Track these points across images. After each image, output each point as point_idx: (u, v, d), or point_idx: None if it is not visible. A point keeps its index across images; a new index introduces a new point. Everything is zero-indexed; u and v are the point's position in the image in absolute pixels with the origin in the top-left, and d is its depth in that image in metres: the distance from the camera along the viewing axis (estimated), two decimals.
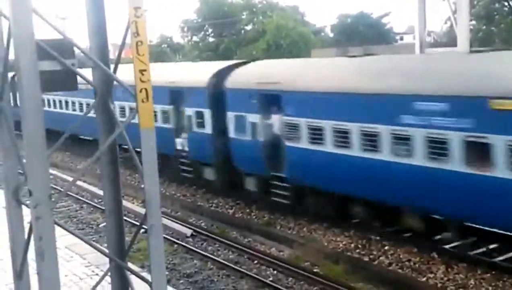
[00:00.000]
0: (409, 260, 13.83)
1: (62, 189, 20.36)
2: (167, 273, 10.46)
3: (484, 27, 42.96)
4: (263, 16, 62.43)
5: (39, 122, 3.72)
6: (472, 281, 12.55)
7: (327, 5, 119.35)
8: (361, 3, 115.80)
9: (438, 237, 13.98)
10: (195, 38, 65.37)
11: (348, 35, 60.18)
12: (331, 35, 66.91)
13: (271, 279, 13.56)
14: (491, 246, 13.36)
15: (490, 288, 12.24)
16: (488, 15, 41.95)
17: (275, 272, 13.96)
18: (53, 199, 3.84)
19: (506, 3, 42.22)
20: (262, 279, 13.44)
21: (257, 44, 56.20)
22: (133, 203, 20.22)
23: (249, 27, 63.43)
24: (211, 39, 63.69)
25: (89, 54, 4.18)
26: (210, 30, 63.31)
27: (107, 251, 4.60)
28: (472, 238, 13.79)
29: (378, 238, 15.11)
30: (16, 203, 4.36)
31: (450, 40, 36.47)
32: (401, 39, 70.50)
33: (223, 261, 14.61)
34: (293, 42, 55.27)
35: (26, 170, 3.76)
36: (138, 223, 16.55)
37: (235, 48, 58.82)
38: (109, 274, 4.50)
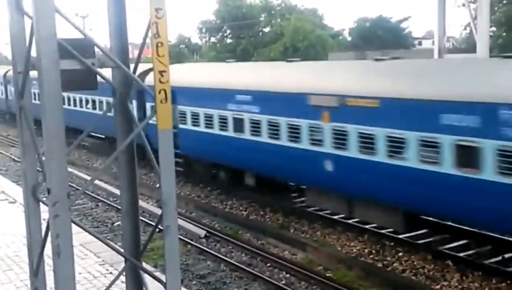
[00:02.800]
0: (423, 267, 13.72)
1: (78, 187, 20.52)
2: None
3: (504, 33, 42.56)
4: (281, 19, 62.53)
5: (59, 120, 3.74)
6: None
7: (346, 9, 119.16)
8: (380, 7, 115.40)
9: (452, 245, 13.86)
10: (213, 39, 65.64)
11: (366, 39, 59.97)
12: (349, 38, 66.73)
13: (283, 282, 13.52)
14: (507, 255, 13.21)
15: None
16: (509, 22, 41.55)
17: (288, 275, 13.93)
18: (71, 197, 3.86)
19: None
20: (275, 282, 13.41)
21: (275, 46, 56.25)
22: (148, 202, 20.31)
23: (267, 29, 63.56)
24: (228, 41, 63.90)
25: (109, 54, 4.20)
26: (228, 32, 63.53)
27: (122, 250, 4.61)
28: (488, 246, 13.68)
29: (392, 244, 15.02)
30: (34, 200, 4.39)
31: (469, 46, 36.21)
32: (420, 44, 70.11)
33: (236, 263, 14.60)
34: (311, 45, 55.26)
35: (45, 168, 3.78)
36: (152, 223, 16.63)
37: (253, 50, 58.93)
38: (123, 273, 4.52)
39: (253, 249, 15.57)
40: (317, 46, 55.61)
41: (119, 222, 17.59)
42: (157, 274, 5.73)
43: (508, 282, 12.53)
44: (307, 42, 55.00)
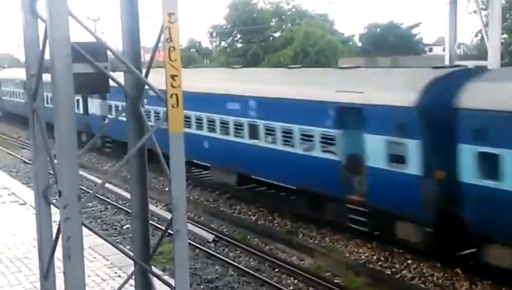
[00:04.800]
0: (432, 275, 13.65)
1: (89, 190, 20.59)
2: None
3: None
4: (292, 24, 62.52)
5: (71, 124, 3.75)
6: None
7: (357, 14, 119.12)
8: (391, 13, 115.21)
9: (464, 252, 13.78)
10: (223, 44, 65.75)
11: (377, 45, 59.83)
12: (360, 44, 66.61)
13: (291, 288, 13.51)
14: None
15: None
16: None
17: (295, 281, 13.91)
18: (82, 200, 3.87)
19: None
20: (283, 287, 13.39)
21: (285, 51, 56.24)
22: (157, 206, 20.34)
23: (277, 34, 63.57)
24: (239, 45, 63.98)
25: (122, 58, 4.22)
26: (238, 36, 63.61)
27: (131, 253, 4.62)
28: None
29: (401, 251, 14.95)
30: (45, 202, 4.40)
31: (480, 53, 36.05)
32: (430, 50, 69.81)
33: (244, 268, 14.60)
34: (321, 50, 55.18)
35: (57, 171, 3.79)
36: (161, 226, 16.64)
37: (263, 54, 58.96)
38: (133, 277, 4.52)
39: (261, 254, 15.56)
40: (328, 52, 55.52)
41: (128, 225, 17.62)
42: (166, 278, 5.73)
43: None
44: (317, 47, 54.93)
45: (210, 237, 16.99)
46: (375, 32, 62.90)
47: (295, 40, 56.24)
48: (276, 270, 14.60)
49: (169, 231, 4.34)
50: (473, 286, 12.92)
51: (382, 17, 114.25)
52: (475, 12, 27.66)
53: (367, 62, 43.44)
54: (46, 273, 4.43)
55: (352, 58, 54.18)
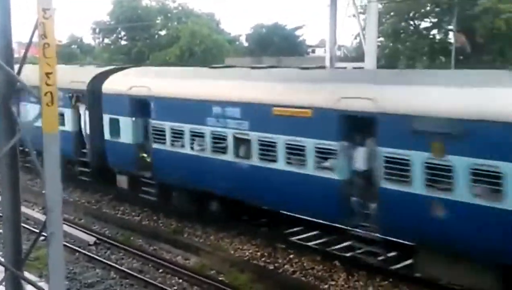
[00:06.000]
0: (312, 268, 14.18)
1: None
2: (66, 282, 10.08)
3: (391, 44, 44.88)
4: (178, 22, 62.13)
5: None
6: (371, 288, 13.07)
7: (243, 15, 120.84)
8: (276, 15, 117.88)
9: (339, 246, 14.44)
10: (106, 41, 63.99)
11: (262, 45, 61.05)
12: (246, 44, 67.62)
13: (175, 288, 13.45)
14: (390, 254, 13.95)
15: None
16: (395, 33, 43.86)
17: (180, 280, 13.86)
18: None
19: (411, 23, 44.37)
20: (167, 288, 13.30)
21: (171, 49, 55.79)
22: (33, 209, 19.39)
23: (163, 32, 62.91)
24: (123, 42, 62.56)
25: None
26: (122, 33, 62.19)
27: (1, 259, 4.41)
28: (373, 247, 14.35)
29: (283, 246, 15.39)
30: None
31: (359, 55, 37.82)
32: (313, 51, 72.34)
33: (127, 270, 14.32)
34: (207, 49, 55.35)
35: None
36: (38, 231, 15.91)
37: (148, 52, 58.07)
38: (3, 284, 4.31)
39: (145, 255, 15.34)
40: (214, 51, 55.78)
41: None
42: (41, 284, 5.51)
43: (391, 280, 13.26)
44: (203, 46, 55.04)
45: (91, 239, 16.48)
46: (260, 33, 64.16)
47: (181, 39, 55.97)
48: (161, 270, 14.47)
49: (44, 234, 4.19)
50: (350, 277, 13.57)
51: (268, 18, 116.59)
52: (354, 15, 28.95)
53: (253, 62, 44.15)
54: None
55: (239, 57, 54.86)
